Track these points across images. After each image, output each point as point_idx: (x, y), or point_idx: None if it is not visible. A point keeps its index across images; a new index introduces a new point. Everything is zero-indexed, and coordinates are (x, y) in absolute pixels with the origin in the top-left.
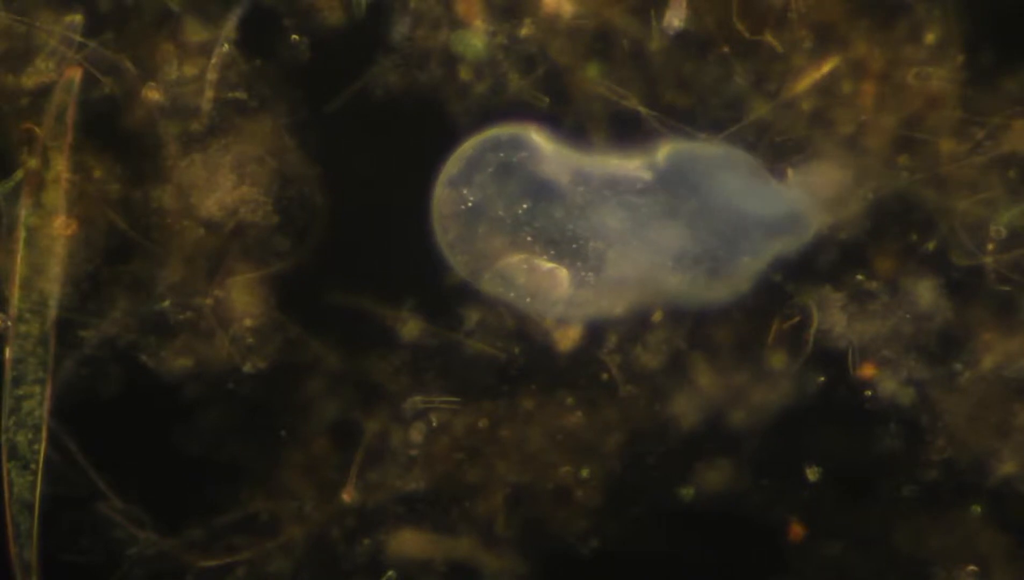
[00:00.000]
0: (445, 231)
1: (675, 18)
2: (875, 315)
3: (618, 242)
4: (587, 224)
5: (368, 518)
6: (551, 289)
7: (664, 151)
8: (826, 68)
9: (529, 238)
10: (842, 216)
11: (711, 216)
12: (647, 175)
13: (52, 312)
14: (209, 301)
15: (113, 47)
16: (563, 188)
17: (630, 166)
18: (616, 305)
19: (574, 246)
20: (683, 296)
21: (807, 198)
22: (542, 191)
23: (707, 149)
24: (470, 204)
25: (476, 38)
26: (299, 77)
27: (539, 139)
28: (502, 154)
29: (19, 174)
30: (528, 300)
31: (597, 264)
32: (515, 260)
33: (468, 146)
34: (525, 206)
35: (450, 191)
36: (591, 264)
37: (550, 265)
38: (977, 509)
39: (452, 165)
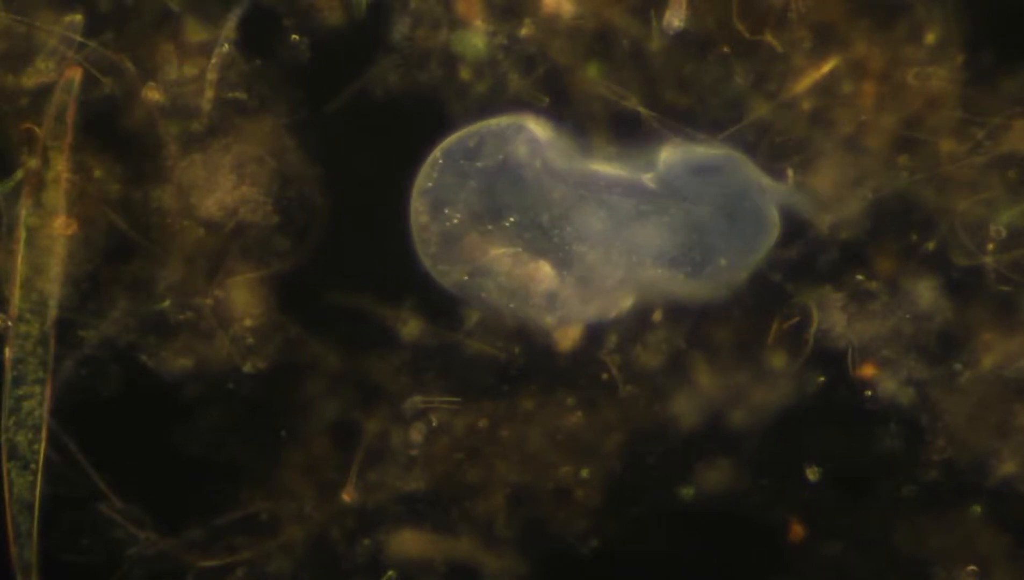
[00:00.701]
0: (427, 245)
1: (675, 18)
2: (875, 315)
3: (600, 244)
4: (572, 228)
5: (368, 518)
6: (535, 284)
7: (662, 156)
8: (826, 68)
9: (520, 249)
10: (842, 216)
11: (697, 218)
12: (649, 182)
13: (52, 312)
14: (209, 301)
15: (113, 47)
16: (544, 187)
17: (626, 172)
18: (603, 309)
19: (560, 255)
20: (666, 295)
21: (801, 200)
22: (526, 194)
23: (700, 151)
24: (456, 221)
25: (476, 38)
26: (299, 77)
27: (535, 127)
28: (480, 164)
29: (19, 174)
30: (510, 300)
31: (581, 268)
32: (498, 253)
33: (437, 155)
34: (512, 219)
35: (428, 205)
36: (575, 269)
37: (534, 262)
38: (977, 509)
39: (425, 177)
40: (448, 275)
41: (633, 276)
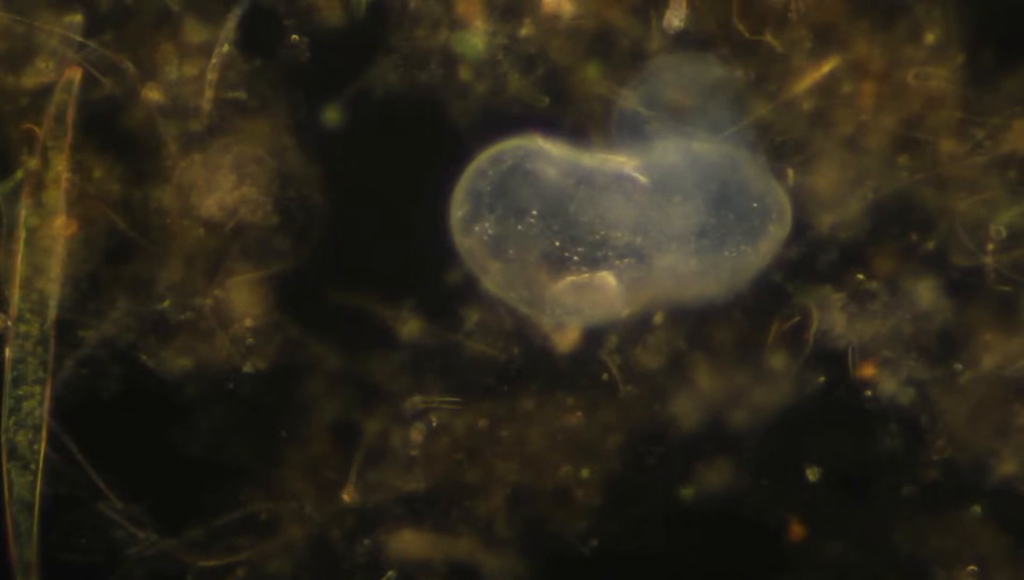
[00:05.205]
0: (486, 272)
1: (675, 18)
2: (875, 315)
3: (635, 228)
4: (601, 221)
5: (368, 518)
6: (604, 296)
7: (661, 150)
8: (826, 68)
9: (557, 243)
10: (842, 216)
11: (708, 207)
12: (643, 178)
13: (52, 312)
14: (209, 301)
15: (113, 47)
16: (564, 188)
17: (629, 165)
18: (668, 287)
19: (597, 238)
20: (699, 281)
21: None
22: (545, 195)
23: (703, 147)
24: (490, 234)
25: (476, 38)
26: (299, 77)
27: (541, 143)
28: (491, 172)
29: (19, 174)
30: (590, 314)
31: (631, 253)
32: (559, 287)
33: (462, 188)
34: (534, 212)
35: (469, 235)
36: (622, 253)
37: (591, 275)
38: (977, 509)
39: (458, 208)
40: (520, 298)
41: (674, 258)
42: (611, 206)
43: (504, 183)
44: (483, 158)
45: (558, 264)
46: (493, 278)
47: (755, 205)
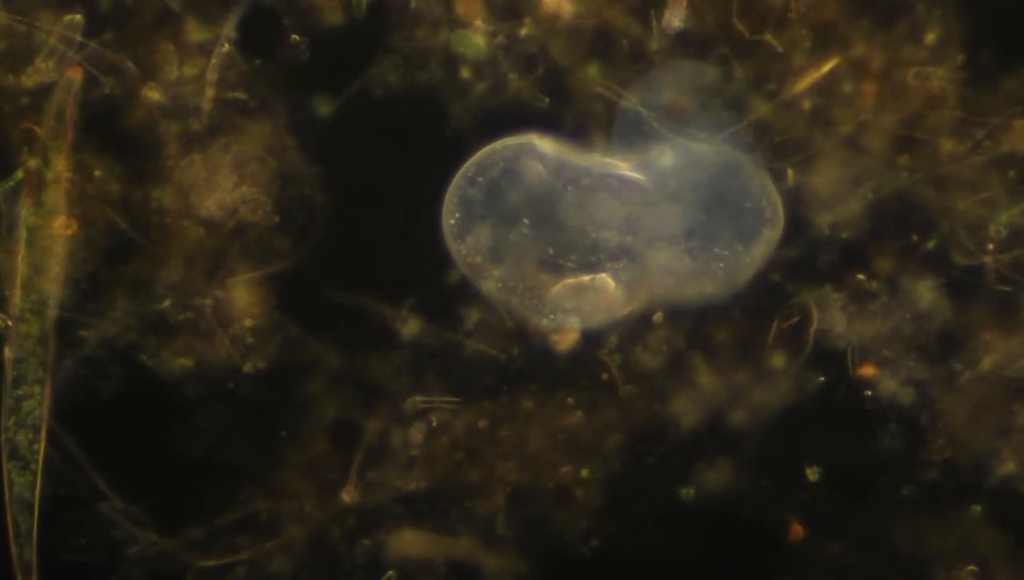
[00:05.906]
0: (485, 279)
1: (675, 18)
2: (875, 315)
3: (625, 229)
4: (590, 222)
5: (368, 518)
6: (603, 297)
7: (658, 150)
8: (826, 68)
9: (551, 251)
10: (842, 216)
11: (702, 206)
12: (641, 176)
13: (52, 312)
14: (209, 301)
15: (113, 47)
16: (553, 190)
17: (625, 164)
18: (666, 286)
19: (588, 242)
20: (696, 279)
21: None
22: (535, 199)
23: (700, 147)
24: (483, 242)
25: (476, 38)
26: (299, 77)
27: (534, 140)
28: (481, 179)
29: (19, 174)
30: (591, 316)
31: (623, 253)
32: (557, 289)
33: (452, 194)
34: (526, 221)
35: (463, 244)
36: (615, 254)
37: (590, 277)
38: (977, 509)
39: (449, 216)
40: (520, 303)
41: (666, 256)
42: (599, 206)
43: (494, 189)
44: (472, 163)
45: (553, 269)
46: (489, 284)
47: (748, 205)
